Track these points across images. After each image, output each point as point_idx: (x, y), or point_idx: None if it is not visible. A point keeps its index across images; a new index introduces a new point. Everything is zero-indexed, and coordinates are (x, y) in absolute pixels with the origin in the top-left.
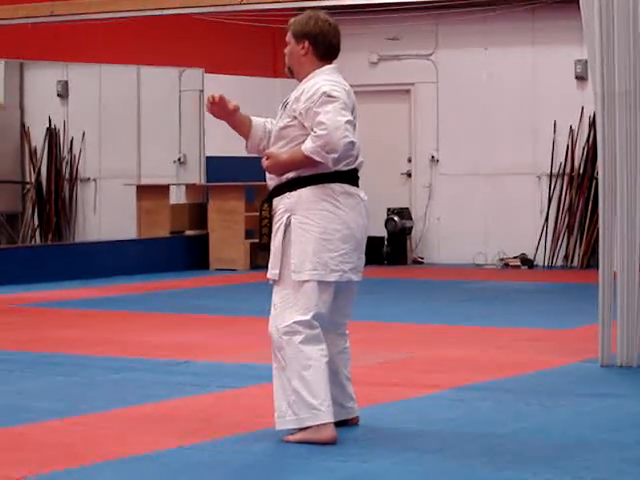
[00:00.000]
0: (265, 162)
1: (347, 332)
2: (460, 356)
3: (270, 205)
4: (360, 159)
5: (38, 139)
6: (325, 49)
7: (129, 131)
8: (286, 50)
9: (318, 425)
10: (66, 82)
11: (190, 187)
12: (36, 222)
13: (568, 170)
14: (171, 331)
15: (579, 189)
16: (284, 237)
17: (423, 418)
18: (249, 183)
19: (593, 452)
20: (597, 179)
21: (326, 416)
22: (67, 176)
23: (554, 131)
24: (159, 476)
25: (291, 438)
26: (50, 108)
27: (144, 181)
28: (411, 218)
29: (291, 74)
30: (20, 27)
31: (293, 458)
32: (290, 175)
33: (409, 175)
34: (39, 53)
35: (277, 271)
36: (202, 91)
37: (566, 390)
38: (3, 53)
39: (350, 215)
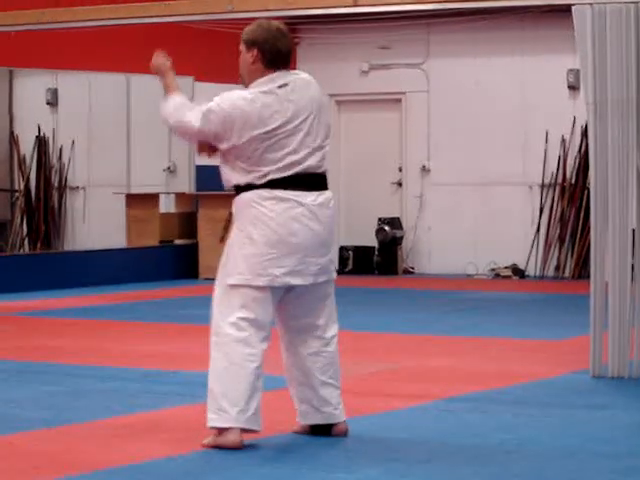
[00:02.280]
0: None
1: (328, 336)
2: (449, 366)
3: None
4: (303, 165)
5: (27, 147)
6: (272, 57)
7: (119, 139)
8: (239, 59)
9: (226, 429)
10: (56, 90)
11: (180, 196)
12: (25, 230)
13: (560, 180)
14: (159, 340)
15: (571, 199)
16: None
17: (411, 429)
18: None
19: (583, 463)
20: (589, 189)
21: (233, 421)
22: (56, 184)
23: (546, 141)
24: None
25: (204, 442)
26: (39, 116)
27: (133, 190)
28: (402, 228)
29: (244, 82)
30: (9, 34)
31: (281, 469)
32: (231, 183)
33: (400, 184)
34: (29, 61)
35: (219, 272)
36: (192, 99)
37: (556, 401)
38: None
39: (279, 220)
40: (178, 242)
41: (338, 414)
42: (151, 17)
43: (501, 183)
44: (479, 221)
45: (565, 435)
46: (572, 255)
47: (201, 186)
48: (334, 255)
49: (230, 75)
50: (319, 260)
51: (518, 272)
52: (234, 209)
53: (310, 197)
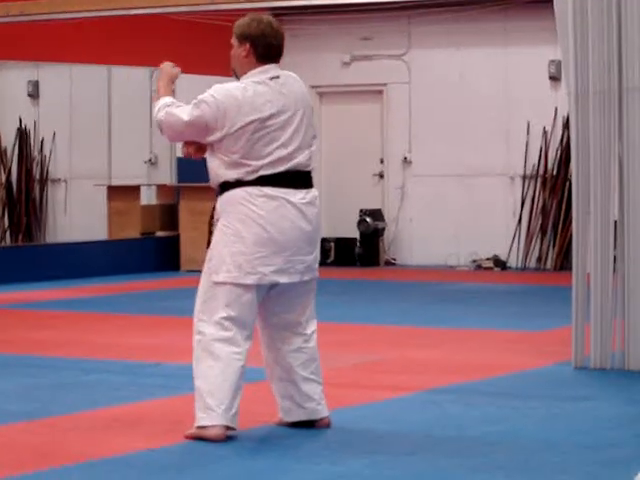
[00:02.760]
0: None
1: (308, 332)
2: (432, 358)
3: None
4: (292, 162)
5: (8, 139)
6: (265, 50)
7: (100, 131)
8: (231, 53)
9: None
10: (37, 82)
11: (161, 188)
12: (6, 223)
13: (541, 172)
14: (141, 333)
15: (552, 191)
16: (213, 237)
17: (395, 420)
18: None
19: (566, 455)
20: (570, 181)
21: (219, 418)
22: (37, 177)
23: (527, 132)
24: (129, 478)
25: (187, 434)
26: (20, 108)
27: (115, 182)
28: (383, 219)
29: (236, 76)
30: None
31: (264, 460)
32: (220, 180)
33: (381, 176)
34: (9, 53)
35: (204, 269)
36: (174, 91)
37: (539, 393)
38: None
39: (269, 218)
40: (159, 234)
41: (321, 409)
42: (133, 9)
43: (483, 174)
44: (461, 212)
45: (548, 427)
46: (554, 246)
47: (182, 178)
48: (318, 253)
49: (213, 67)
50: (306, 258)
51: (500, 263)
52: (219, 206)
53: (299, 195)
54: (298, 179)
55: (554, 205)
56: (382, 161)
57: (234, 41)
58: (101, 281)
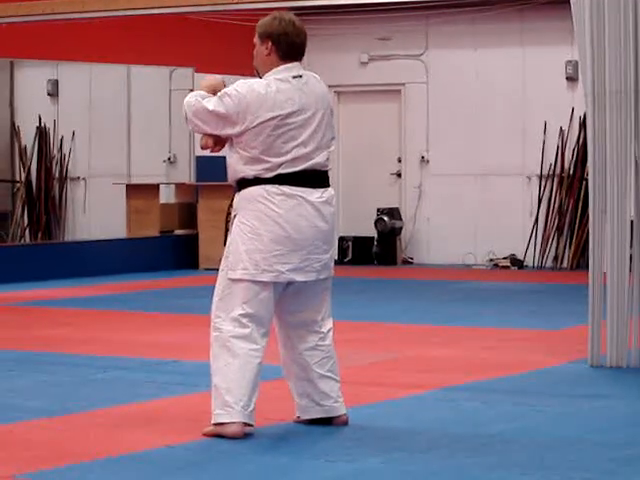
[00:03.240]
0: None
1: (324, 330)
2: (449, 356)
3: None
4: (311, 162)
5: (28, 138)
6: (287, 49)
7: (119, 130)
8: (254, 51)
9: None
10: (56, 81)
11: (180, 186)
12: (26, 221)
13: (558, 171)
14: (160, 330)
15: (569, 190)
16: (230, 235)
17: (411, 418)
18: None
19: (582, 452)
20: (587, 180)
21: (238, 415)
22: (57, 175)
23: (544, 132)
24: (146, 475)
25: (204, 431)
26: (40, 107)
27: (134, 180)
28: (401, 218)
29: (258, 75)
30: (10, 25)
31: (282, 457)
32: (238, 176)
33: (399, 175)
34: (30, 52)
35: (222, 266)
36: (192, 90)
37: (555, 391)
38: None
39: (286, 217)
40: (178, 232)
41: (339, 407)
42: (153, 8)
43: (500, 174)
44: (478, 212)
45: (564, 424)
46: (570, 245)
47: (201, 177)
48: (335, 251)
49: (231, 66)
50: (322, 257)
51: (516, 262)
52: (237, 203)
53: (316, 194)
54: (316, 178)
55: (571, 204)
56: (400, 160)
57: (256, 40)
58: (120, 279)
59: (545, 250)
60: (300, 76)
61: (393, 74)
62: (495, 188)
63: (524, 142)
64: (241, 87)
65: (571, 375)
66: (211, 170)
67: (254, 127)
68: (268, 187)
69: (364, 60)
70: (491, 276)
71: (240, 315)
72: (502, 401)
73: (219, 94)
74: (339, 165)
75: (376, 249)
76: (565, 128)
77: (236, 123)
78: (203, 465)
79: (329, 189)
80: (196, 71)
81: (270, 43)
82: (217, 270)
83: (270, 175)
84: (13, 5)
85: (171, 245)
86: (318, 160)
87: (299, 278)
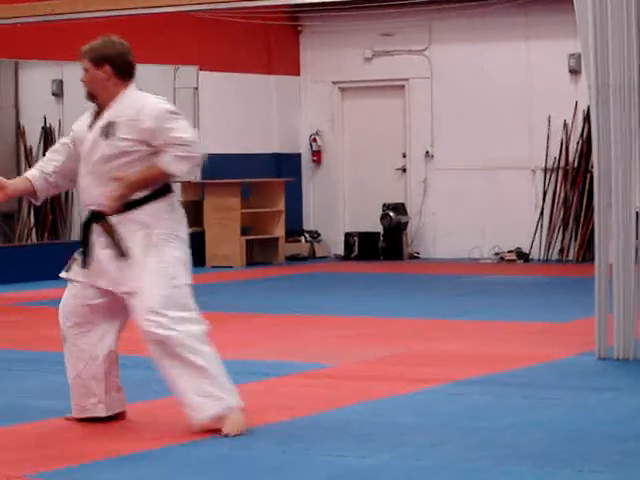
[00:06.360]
0: (115, 189)
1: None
2: (457, 350)
3: (105, 224)
4: None
5: (33, 138)
6: (126, 69)
7: None
8: (85, 78)
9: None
10: (61, 81)
11: (185, 184)
12: (32, 221)
13: (563, 164)
14: None
15: (574, 183)
16: (146, 252)
17: (421, 412)
18: (245, 180)
19: (592, 445)
20: (592, 173)
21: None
22: None
23: (548, 125)
24: (160, 473)
25: (231, 431)
26: (45, 107)
27: None
28: (406, 213)
29: (92, 99)
30: (14, 26)
31: (292, 454)
32: (156, 187)
33: (404, 170)
34: (34, 52)
35: (139, 284)
36: (197, 88)
37: (563, 383)
38: None
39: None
40: None
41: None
42: (156, 7)
43: (504, 168)
44: (483, 206)
45: (573, 417)
46: (576, 238)
47: (207, 174)
48: None
49: (234, 64)
50: None
51: (522, 256)
52: (147, 218)
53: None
54: None
55: (576, 197)
56: (404, 155)
57: (87, 65)
58: None
59: (551, 243)
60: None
61: (397, 69)
62: (500, 182)
63: (528, 135)
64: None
65: (579, 367)
66: (217, 168)
67: None
68: (172, 194)
69: (368, 56)
70: (497, 270)
71: (195, 315)
72: (511, 394)
73: (178, 117)
74: (344, 161)
75: (382, 244)
76: (569, 121)
77: None
78: (215, 462)
79: None
80: (200, 69)
81: (107, 66)
82: (224, 267)
83: (170, 182)
84: (19, 6)
85: None
86: None
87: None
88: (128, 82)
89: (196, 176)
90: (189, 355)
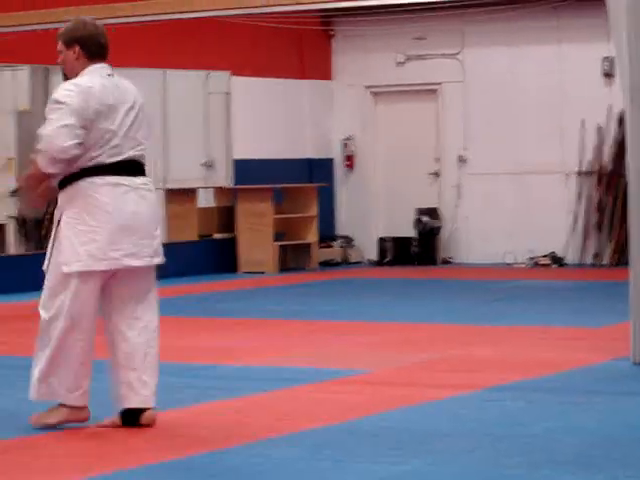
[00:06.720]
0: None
1: (145, 317)
2: (491, 356)
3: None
4: (126, 155)
5: None
6: (95, 49)
7: (156, 135)
8: (59, 60)
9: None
10: None
11: (218, 190)
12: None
13: (596, 168)
14: (199, 335)
15: (608, 187)
16: (56, 233)
17: (455, 418)
18: (277, 185)
19: (627, 450)
20: (626, 177)
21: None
22: None
23: (582, 129)
24: None
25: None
26: None
27: (171, 185)
28: (439, 218)
29: (66, 80)
30: (45, 32)
31: (326, 461)
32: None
33: (437, 175)
34: None
35: (47, 262)
36: (228, 94)
37: (598, 389)
38: (28, 59)
39: (114, 205)
40: (217, 236)
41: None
42: (188, 12)
43: (538, 172)
44: (517, 210)
45: (609, 422)
46: (610, 242)
47: (239, 180)
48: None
49: (266, 69)
50: (152, 242)
51: (557, 260)
52: (63, 198)
53: (138, 181)
54: (133, 168)
55: (609, 201)
56: (437, 160)
57: (61, 47)
58: (159, 284)
59: (585, 247)
60: (112, 75)
61: (430, 74)
62: (533, 186)
63: (562, 139)
64: (67, 97)
65: (614, 373)
66: (249, 173)
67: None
68: (94, 179)
69: (400, 60)
70: (532, 274)
71: (74, 307)
72: (546, 400)
73: (55, 108)
74: (377, 166)
75: (416, 249)
76: (603, 125)
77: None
78: (246, 470)
79: (147, 177)
80: (232, 74)
81: (77, 47)
82: (256, 273)
83: (91, 164)
84: (46, 12)
85: (210, 249)
86: (132, 153)
87: (135, 263)
88: (97, 63)
89: (229, 182)
90: None
